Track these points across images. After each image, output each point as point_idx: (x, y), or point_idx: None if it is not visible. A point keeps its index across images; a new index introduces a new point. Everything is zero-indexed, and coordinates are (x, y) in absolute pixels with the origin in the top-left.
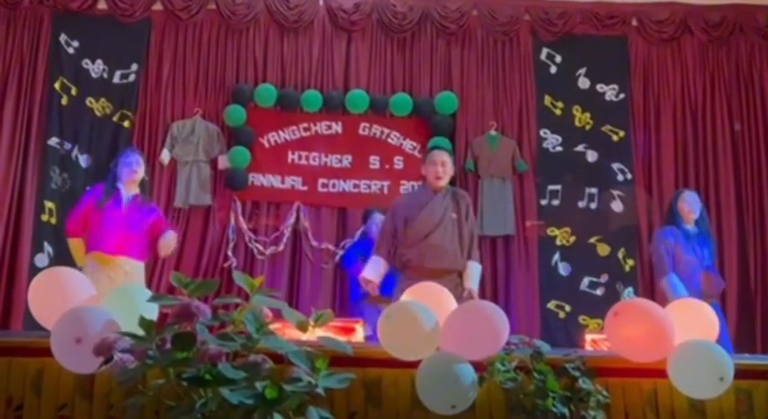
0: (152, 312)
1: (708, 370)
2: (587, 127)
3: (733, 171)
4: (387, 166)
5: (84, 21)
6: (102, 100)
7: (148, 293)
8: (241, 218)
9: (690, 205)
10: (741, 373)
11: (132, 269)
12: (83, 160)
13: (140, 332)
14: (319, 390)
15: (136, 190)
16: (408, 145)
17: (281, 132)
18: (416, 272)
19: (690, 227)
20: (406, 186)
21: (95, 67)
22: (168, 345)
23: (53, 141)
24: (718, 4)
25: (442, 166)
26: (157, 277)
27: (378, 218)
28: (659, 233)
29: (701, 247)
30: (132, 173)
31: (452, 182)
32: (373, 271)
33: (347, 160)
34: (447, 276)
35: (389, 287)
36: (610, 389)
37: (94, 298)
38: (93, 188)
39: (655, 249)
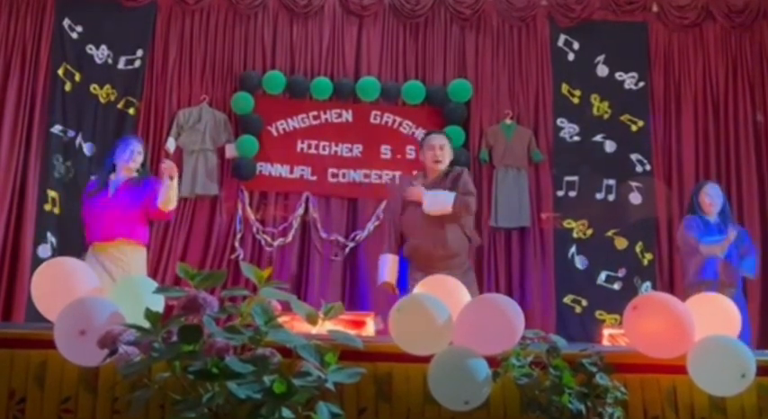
0: (158, 304)
1: (729, 367)
2: (605, 116)
3: (755, 161)
4: (398, 156)
5: (88, 5)
6: (107, 86)
7: (154, 285)
8: (248, 209)
9: (711, 198)
10: (763, 370)
11: (130, 252)
12: (87, 148)
13: (146, 324)
14: (329, 385)
15: (131, 176)
16: (421, 134)
17: (289, 120)
18: (423, 261)
19: (711, 218)
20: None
21: (100, 53)
22: (174, 338)
23: (56, 129)
24: None
25: (441, 150)
26: (163, 268)
27: None
28: (685, 220)
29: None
30: (130, 161)
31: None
32: (385, 272)
33: (358, 149)
34: (452, 261)
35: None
36: (628, 385)
37: (99, 290)
38: (89, 183)
39: (681, 233)
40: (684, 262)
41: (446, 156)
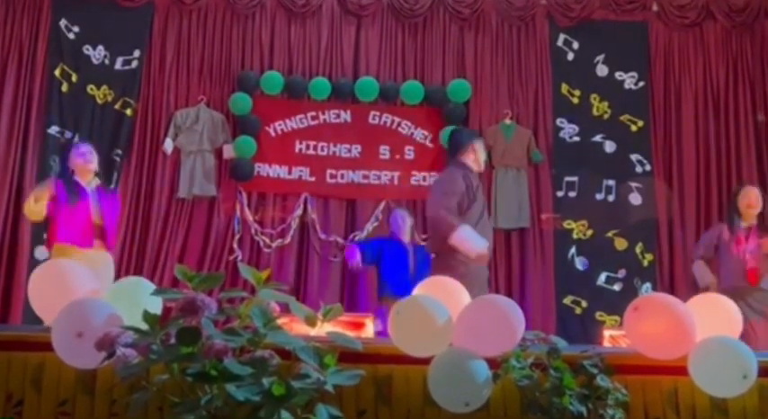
0: (156, 306)
1: (730, 368)
2: (605, 116)
3: (756, 162)
4: (397, 156)
5: (85, 5)
6: (104, 87)
7: (152, 286)
8: (247, 210)
9: (750, 199)
10: (765, 371)
11: (104, 258)
12: None
13: (144, 326)
14: (328, 387)
15: (94, 180)
16: (420, 134)
17: (288, 121)
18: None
19: (746, 222)
20: (417, 177)
21: (97, 54)
22: (173, 340)
23: (53, 130)
24: None
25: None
26: (160, 270)
27: (399, 214)
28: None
29: (748, 241)
30: (87, 163)
31: None
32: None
33: (356, 150)
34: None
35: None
36: (629, 387)
37: (96, 292)
38: (57, 185)
39: None
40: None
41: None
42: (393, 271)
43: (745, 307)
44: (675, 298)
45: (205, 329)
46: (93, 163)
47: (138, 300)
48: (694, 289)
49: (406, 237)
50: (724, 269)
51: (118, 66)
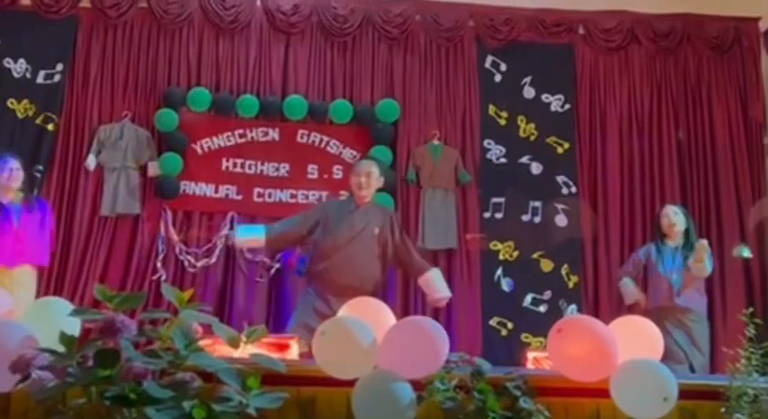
0: (74, 327)
1: (651, 390)
2: (532, 138)
3: (679, 183)
4: (325, 176)
5: (5, 17)
6: (25, 101)
7: (70, 307)
8: (171, 229)
9: (669, 218)
10: (685, 393)
11: (22, 276)
12: None
13: (61, 348)
14: (250, 410)
15: (17, 195)
16: (348, 153)
17: (214, 138)
18: (325, 286)
19: (673, 242)
20: (345, 196)
21: (18, 67)
22: (90, 362)
23: None
24: (666, 13)
25: (366, 177)
26: (81, 289)
27: None
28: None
29: (675, 260)
30: (9, 180)
31: (392, 192)
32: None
33: (284, 169)
34: (356, 295)
35: None
36: (552, 409)
37: (11, 312)
38: None
39: None
40: None
41: (372, 184)
42: None
43: (669, 326)
44: (598, 321)
45: (124, 351)
46: (17, 181)
47: (55, 321)
48: (619, 307)
49: None
50: (651, 288)
51: (40, 79)
